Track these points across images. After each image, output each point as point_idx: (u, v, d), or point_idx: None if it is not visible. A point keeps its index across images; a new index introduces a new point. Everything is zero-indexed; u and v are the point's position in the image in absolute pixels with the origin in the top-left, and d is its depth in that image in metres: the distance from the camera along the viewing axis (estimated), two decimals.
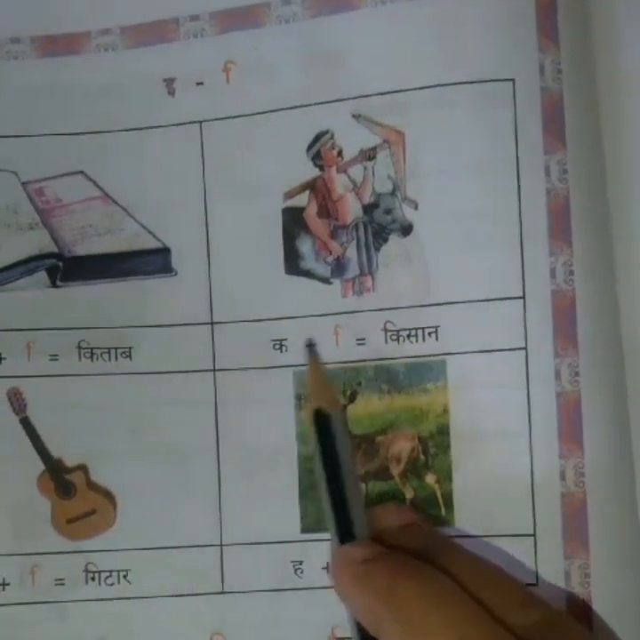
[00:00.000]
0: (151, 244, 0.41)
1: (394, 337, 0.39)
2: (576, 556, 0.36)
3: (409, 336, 0.39)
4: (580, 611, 0.36)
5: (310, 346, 0.35)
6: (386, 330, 0.39)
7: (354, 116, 0.40)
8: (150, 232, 0.41)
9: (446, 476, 0.38)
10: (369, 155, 0.40)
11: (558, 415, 0.37)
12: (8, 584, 0.39)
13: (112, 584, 0.39)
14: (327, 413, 0.35)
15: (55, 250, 0.41)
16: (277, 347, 0.40)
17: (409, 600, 0.31)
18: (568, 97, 0.38)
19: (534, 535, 0.37)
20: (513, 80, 0.38)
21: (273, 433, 0.39)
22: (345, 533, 0.34)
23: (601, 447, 0.36)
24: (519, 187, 0.38)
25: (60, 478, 0.39)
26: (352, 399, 0.39)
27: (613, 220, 0.37)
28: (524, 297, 0.38)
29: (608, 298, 0.37)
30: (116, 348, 0.40)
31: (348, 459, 0.35)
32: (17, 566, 0.39)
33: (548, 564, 0.37)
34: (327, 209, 0.40)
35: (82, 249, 0.41)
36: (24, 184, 0.41)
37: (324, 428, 0.35)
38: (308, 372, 0.36)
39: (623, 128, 0.38)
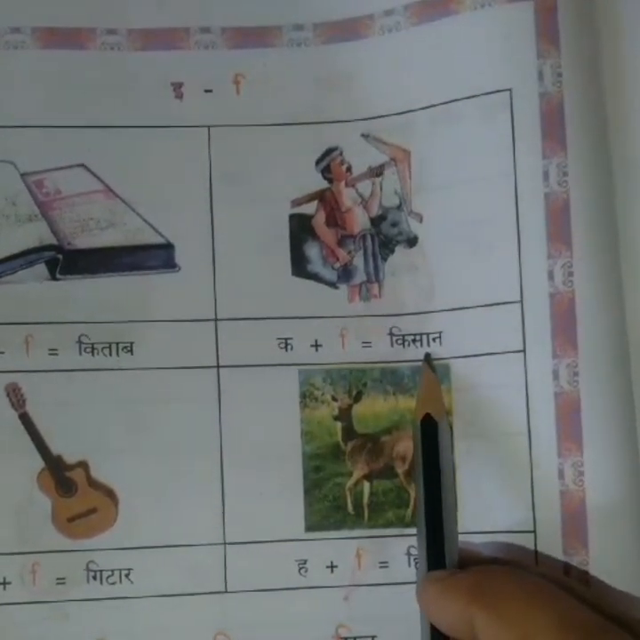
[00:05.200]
0: (154, 239, 0.40)
1: (399, 341, 0.40)
2: (575, 553, 0.38)
3: (414, 341, 0.40)
4: None
5: (428, 356, 0.39)
6: (391, 334, 0.40)
7: (363, 135, 0.41)
8: (153, 227, 0.40)
9: None
10: (377, 172, 0.41)
11: (557, 415, 0.38)
12: (9, 583, 0.38)
13: (114, 583, 0.38)
14: (435, 421, 0.37)
15: (55, 242, 0.40)
16: (283, 345, 0.40)
17: (500, 593, 0.32)
18: (568, 100, 0.39)
19: (534, 532, 0.38)
20: (510, 90, 0.39)
21: (277, 431, 0.39)
22: (435, 561, 0.36)
23: (599, 445, 0.38)
24: (516, 192, 0.39)
25: (61, 475, 0.38)
26: (357, 399, 0.40)
27: (619, 221, 0.39)
28: (521, 301, 0.39)
29: (607, 298, 0.38)
30: (117, 343, 0.39)
31: (449, 473, 0.37)
32: (17, 565, 0.38)
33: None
34: (335, 219, 0.41)
35: (82, 242, 0.40)
36: (23, 175, 0.40)
37: (430, 435, 0.37)
38: (421, 378, 0.38)
39: (629, 130, 0.39)
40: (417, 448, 0.38)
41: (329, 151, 0.41)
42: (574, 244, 0.39)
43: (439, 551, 0.36)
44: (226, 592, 0.38)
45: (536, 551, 0.38)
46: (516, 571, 0.34)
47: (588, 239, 0.39)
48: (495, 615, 0.31)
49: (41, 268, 0.40)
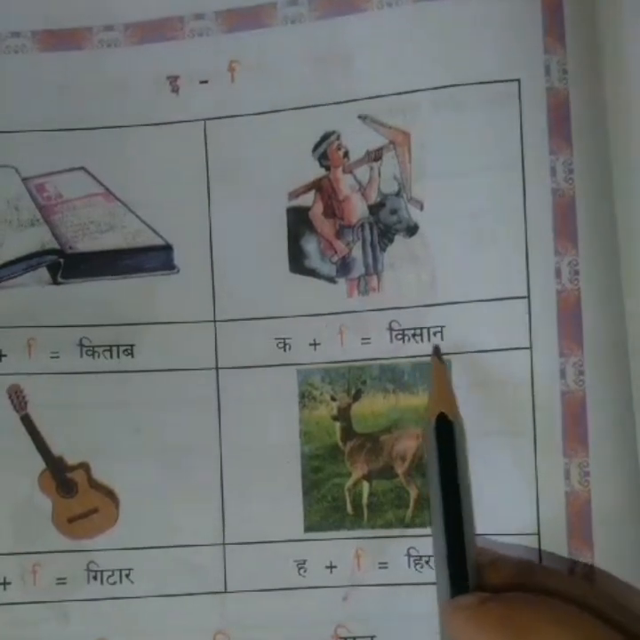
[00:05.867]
0: (153, 241, 0.40)
1: (399, 336, 0.39)
2: (580, 554, 0.37)
3: (414, 335, 0.39)
4: None
5: (437, 350, 0.37)
6: (391, 329, 0.39)
7: (360, 117, 0.40)
8: (152, 229, 0.40)
9: None
10: (375, 156, 0.40)
11: (563, 414, 0.37)
12: (9, 583, 0.39)
13: (114, 583, 0.39)
14: (450, 420, 0.36)
15: (56, 246, 0.40)
16: (281, 345, 0.39)
17: (529, 627, 0.31)
18: (574, 97, 0.38)
19: (539, 534, 0.37)
20: (518, 80, 0.38)
21: (276, 431, 0.39)
22: (459, 585, 0.35)
23: (605, 445, 0.37)
24: (524, 187, 0.38)
25: (62, 476, 0.39)
26: (357, 398, 0.39)
27: (619, 221, 0.37)
28: (528, 296, 0.38)
29: (613, 297, 0.37)
30: (117, 346, 0.40)
31: (466, 475, 0.36)
32: (18, 565, 0.39)
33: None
34: (333, 209, 0.40)
35: (83, 245, 0.40)
36: (24, 180, 0.41)
37: (445, 436, 0.36)
38: (432, 376, 0.38)
39: (631, 127, 0.38)
40: (431, 449, 0.37)
41: (326, 136, 0.40)
42: (580, 242, 0.38)
43: (461, 564, 0.35)
44: (225, 592, 0.39)
45: (540, 551, 0.37)
46: (546, 599, 0.33)
47: (594, 238, 0.38)
48: None
49: (43, 272, 0.40)
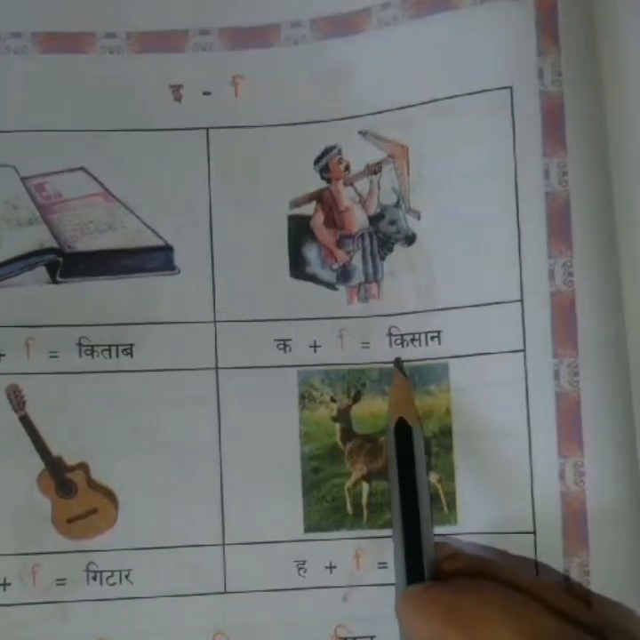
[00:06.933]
0: (153, 241, 0.40)
1: (398, 341, 0.40)
2: (575, 553, 0.37)
3: (413, 340, 0.40)
4: None
5: (398, 361, 0.39)
6: (390, 335, 0.40)
7: (360, 132, 0.41)
8: (152, 230, 0.40)
9: (449, 476, 0.39)
10: (374, 169, 0.41)
11: (557, 415, 0.38)
12: (9, 584, 0.38)
13: (114, 584, 0.38)
14: (410, 425, 0.37)
15: (55, 245, 0.40)
16: (281, 346, 0.40)
17: (472, 613, 0.32)
18: (569, 99, 0.39)
19: (534, 533, 0.38)
20: (510, 87, 0.39)
21: (276, 432, 0.39)
22: (413, 570, 0.36)
23: (600, 446, 0.37)
24: (517, 191, 0.39)
25: (61, 477, 0.39)
26: (356, 399, 0.40)
27: (618, 221, 0.38)
28: (522, 300, 0.39)
29: (608, 298, 0.38)
30: (117, 346, 0.40)
31: (424, 478, 0.37)
32: (18, 566, 0.38)
33: (548, 561, 0.38)
34: (334, 219, 0.41)
35: (82, 245, 0.40)
36: (23, 179, 0.41)
37: (404, 439, 0.37)
38: (393, 383, 0.39)
39: (629, 130, 0.39)
40: (391, 451, 0.38)
41: (327, 150, 0.41)
42: (575, 243, 0.38)
43: (417, 560, 0.36)
44: (225, 592, 0.39)
45: (536, 552, 0.38)
46: (492, 585, 0.34)
47: (589, 239, 0.38)
48: (466, 635, 0.32)
49: (41, 271, 0.40)
